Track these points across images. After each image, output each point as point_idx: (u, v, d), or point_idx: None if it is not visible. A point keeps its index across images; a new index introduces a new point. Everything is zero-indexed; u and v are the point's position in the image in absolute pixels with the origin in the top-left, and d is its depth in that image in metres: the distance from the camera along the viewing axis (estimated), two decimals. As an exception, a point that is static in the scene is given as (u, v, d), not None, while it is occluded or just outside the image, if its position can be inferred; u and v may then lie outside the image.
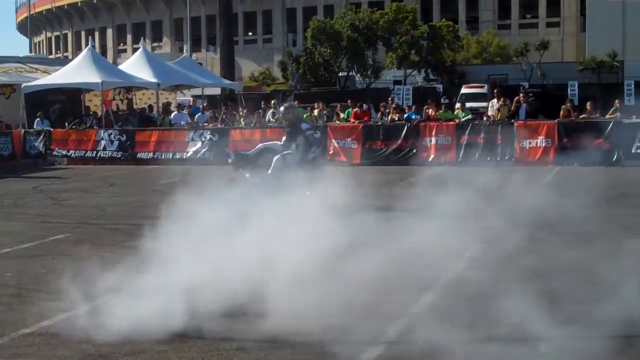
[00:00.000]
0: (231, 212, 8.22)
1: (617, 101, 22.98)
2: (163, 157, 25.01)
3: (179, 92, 34.71)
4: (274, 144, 14.35)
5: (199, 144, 24.79)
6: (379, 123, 24.26)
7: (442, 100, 31.03)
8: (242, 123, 26.29)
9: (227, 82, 38.55)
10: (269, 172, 13.81)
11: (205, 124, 26.37)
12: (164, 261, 7.28)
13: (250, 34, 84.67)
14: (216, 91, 41.65)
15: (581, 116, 22.18)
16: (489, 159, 20.91)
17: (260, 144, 14.85)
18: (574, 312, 6.36)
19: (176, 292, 6.74)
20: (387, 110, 25.32)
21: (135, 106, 31.76)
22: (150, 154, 25.23)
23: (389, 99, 27.70)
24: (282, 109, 14.75)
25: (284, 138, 13.57)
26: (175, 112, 27.92)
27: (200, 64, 47.15)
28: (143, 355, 5.89)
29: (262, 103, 29.10)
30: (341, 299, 6.70)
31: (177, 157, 24.86)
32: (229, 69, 47.67)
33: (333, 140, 23.25)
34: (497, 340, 5.88)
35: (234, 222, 8.01)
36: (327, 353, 5.76)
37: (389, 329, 6.26)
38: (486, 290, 7.05)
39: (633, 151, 20.21)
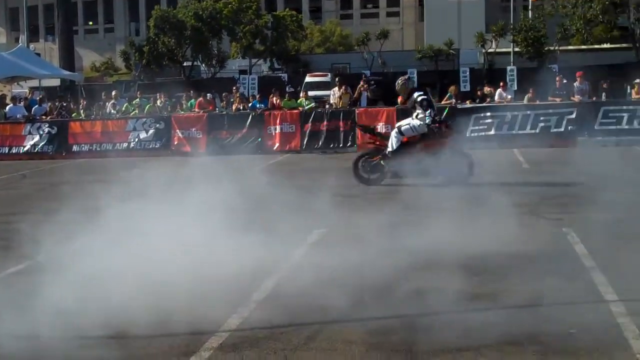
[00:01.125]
0: (77, 206, 8.07)
1: (452, 87, 23.96)
2: (-2, 152, 24.05)
3: (15, 84, 33.25)
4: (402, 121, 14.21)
5: (36, 138, 23.98)
6: (224, 112, 24.23)
7: (287, 89, 31.31)
8: (82, 115, 25.56)
9: (66, 72, 37.28)
10: (388, 150, 13.64)
11: (44, 117, 25.42)
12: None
13: (91, 23, 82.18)
14: (55, 82, 40.22)
15: (418, 102, 22.96)
16: (332, 145, 21.57)
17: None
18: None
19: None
20: (232, 100, 25.31)
21: (-33, 99, 30.18)
22: (-16, 149, 24.16)
23: (234, 88, 27.64)
24: (399, 81, 14.44)
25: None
26: (11, 105, 26.66)
27: (38, 54, 45.38)
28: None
29: (103, 94, 28.34)
30: (184, 289, 6.69)
31: (14, 151, 23.96)
32: (68, 60, 45.99)
33: (177, 131, 23.01)
34: (337, 323, 6.04)
35: (80, 215, 7.87)
36: (169, 344, 5.72)
37: (232, 316, 6.29)
38: (328, 274, 7.24)
39: (467, 135, 21.12)
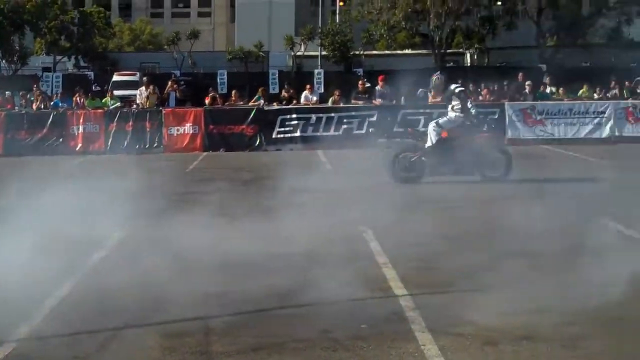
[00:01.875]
0: None
1: (261, 89, 24.26)
2: None
3: None
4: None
5: None
6: (23, 112, 23.21)
7: (93, 87, 30.53)
8: None
9: None
10: (427, 144, 13.16)
11: None
12: None
13: None
14: None
15: (226, 104, 23.12)
16: (137, 146, 21.22)
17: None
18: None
19: None
20: (32, 98, 24.32)
21: None
22: None
23: (34, 86, 26.53)
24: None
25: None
26: None
27: None
28: None
29: None
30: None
31: None
32: None
33: (-30, 132, 21.81)
34: (132, 328, 5.96)
35: None
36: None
37: (21, 325, 6.03)
38: (126, 278, 7.12)
39: (274, 136, 21.49)
